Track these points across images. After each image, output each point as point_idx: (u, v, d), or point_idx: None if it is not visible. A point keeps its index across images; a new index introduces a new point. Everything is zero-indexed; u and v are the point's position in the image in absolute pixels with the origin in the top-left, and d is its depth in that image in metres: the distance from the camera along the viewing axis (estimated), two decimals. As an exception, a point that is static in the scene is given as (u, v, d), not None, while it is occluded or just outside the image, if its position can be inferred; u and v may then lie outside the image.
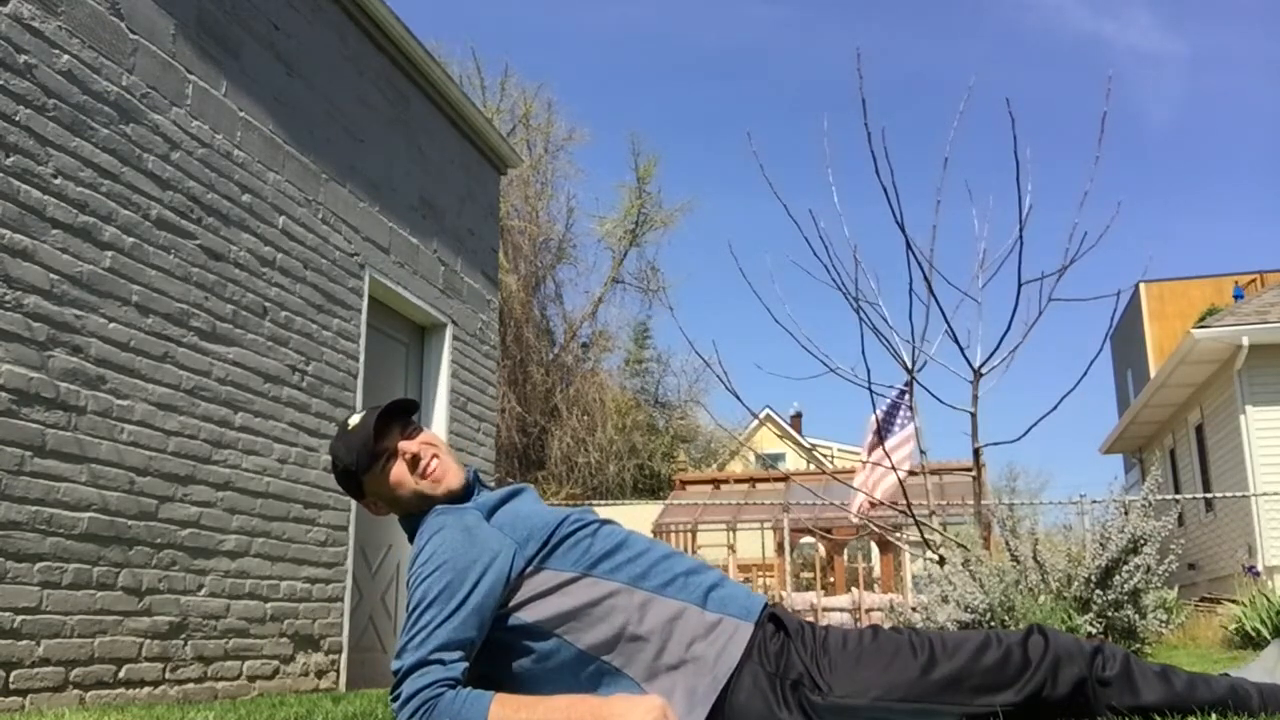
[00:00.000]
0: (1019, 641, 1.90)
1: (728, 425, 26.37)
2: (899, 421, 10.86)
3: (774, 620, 1.96)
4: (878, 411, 6.54)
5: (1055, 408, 5.44)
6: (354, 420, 2.16)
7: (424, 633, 1.80)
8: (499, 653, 1.92)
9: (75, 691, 3.92)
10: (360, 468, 2.11)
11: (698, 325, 68.68)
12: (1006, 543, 4.99)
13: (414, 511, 2.12)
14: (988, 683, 1.86)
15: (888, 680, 1.85)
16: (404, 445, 2.11)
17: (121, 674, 4.14)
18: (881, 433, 10.10)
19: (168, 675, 4.38)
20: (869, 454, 11.14)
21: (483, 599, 1.86)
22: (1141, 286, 24.34)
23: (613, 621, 1.90)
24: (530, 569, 1.94)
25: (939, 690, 1.85)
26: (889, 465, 8.03)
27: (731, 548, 15.36)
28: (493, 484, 2.33)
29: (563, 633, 1.90)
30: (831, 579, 16.19)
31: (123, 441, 4.23)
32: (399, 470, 2.10)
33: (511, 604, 1.91)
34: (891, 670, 1.86)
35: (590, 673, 1.90)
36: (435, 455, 2.11)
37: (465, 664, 1.81)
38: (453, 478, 2.11)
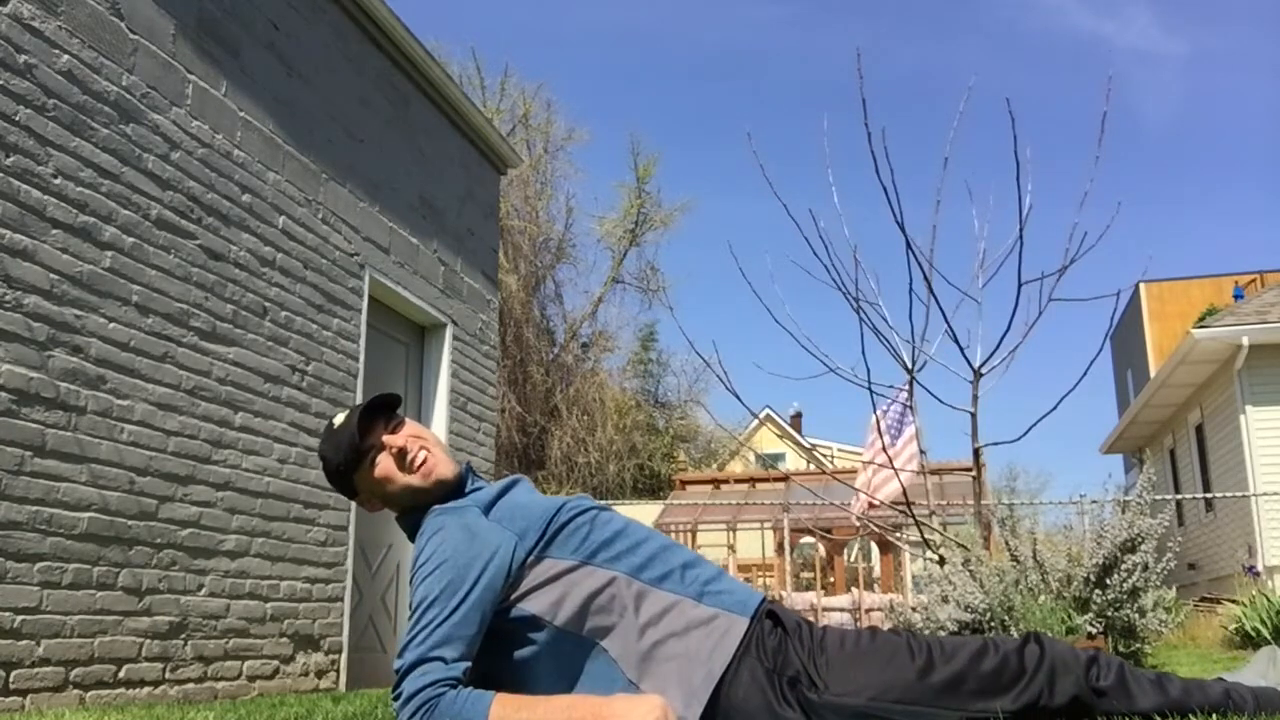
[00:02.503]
0: (1016, 649, 1.91)
1: (728, 425, 26.39)
2: (901, 424, 10.86)
3: (772, 616, 1.96)
4: (878, 412, 6.54)
5: (1055, 408, 5.44)
6: (338, 419, 2.13)
7: (425, 631, 1.81)
8: (498, 644, 1.92)
9: (75, 691, 3.92)
10: (348, 466, 2.09)
11: (698, 325, 68.72)
12: (1006, 543, 4.99)
13: (409, 508, 2.11)
14: (984, 688, 1.87)
15: (884, 681, 1.86)
16: (389, 439, 2.08)
17: (121, 674, 4.14)
18: (883, 436, 10.09)
19: (168, 675, 4.39)
20: (871, 456, 11.14)
21: (483, 596, 1.86)
22: (1141, 286, 24.34)
23: (609, 612, 1.90)
24: (530, 559, 1.94)
25: (935, 693, 1.85)
26: (891, 468, 8.04)
27: (731, 548, 15.37)
28: (488, 479, 2.31)
29: (560, 623, 1.90)
30: (831, 579, 16.18)
31: (123, 441, 4.23)
32: (386, 465, 2.08)
33: (513, 596, 1.92)
34: (888, 671, 1.87)
35: (585, 663, 1.90)
36: (423, 448, 2.09)
37: (467, 663, 1.81)
38: (444, 468, 2.09)
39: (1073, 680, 1.87)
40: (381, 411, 2.13)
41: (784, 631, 1.93)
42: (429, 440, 2.12)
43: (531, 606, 1.91)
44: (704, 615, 1.92)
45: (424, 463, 2.08)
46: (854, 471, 14.82)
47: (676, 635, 1.90)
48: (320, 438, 2.18)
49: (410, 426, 2.13)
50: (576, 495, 2.10)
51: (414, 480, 2.08)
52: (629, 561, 1.96)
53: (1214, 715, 1.89)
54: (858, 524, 12.22)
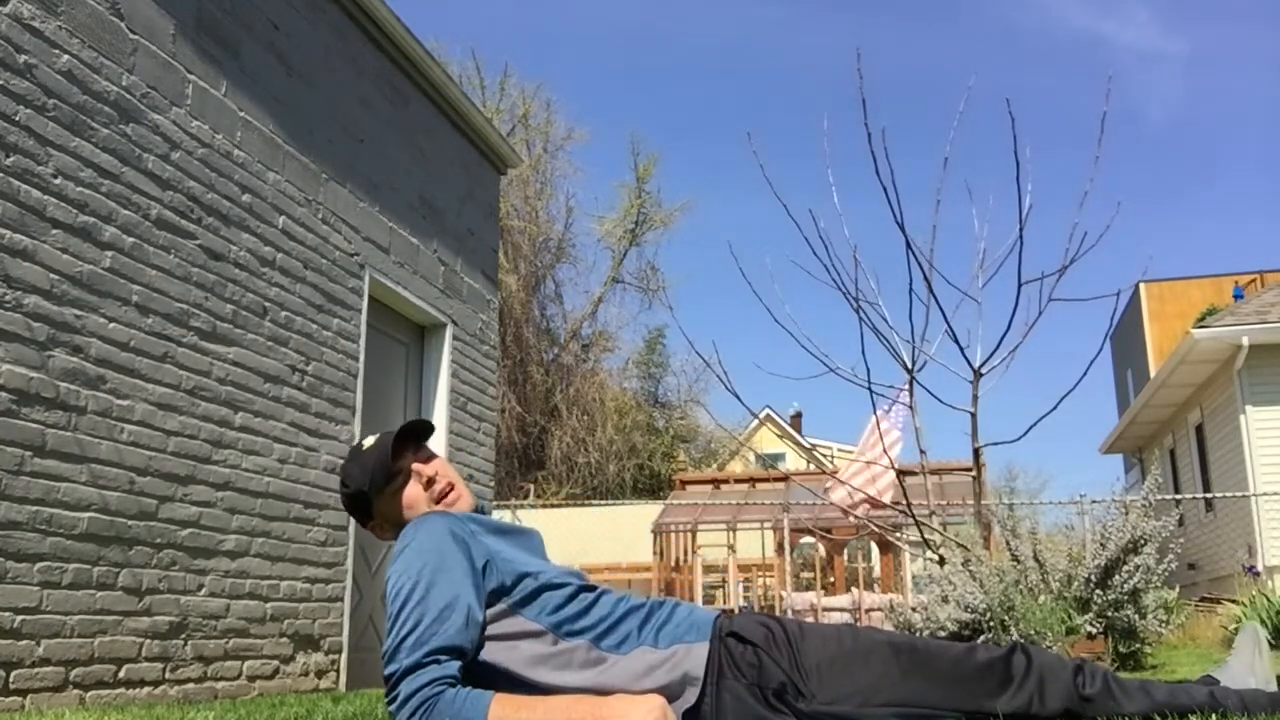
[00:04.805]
0: (1002, 656, 1.92)
1: (728, 425, 26.37)
2: (896, 423, 10.92)
3: (734, 635, 1.95)
4: (879, 412, 6.54)
5: (1055, 408, 5.45)
6: (368, 441, 2.18)
7: (416, 633, 1.80)
8: (468, 679, 1.90)
9: (75, 691, 3.92)
10: (374, 486, 2.13)
11: (698, 325, 68.73)
12: (1006, 543, 4.99)
13: None
14: (970, 690, 1.88)
15: (871, 685, 1.87)
16: (419, 467, 2.15)
17: (121, 674, 4.14)
18: (884, 437, 10.12)
19: (168, 675, 4.38)
20: (873, 457, 11.17)
21: (473, 596, 1.87)
22: (1141, 286, 24.35)
23: (565, 677, 1.89)
24: (503, 605, 1.94)
25: (922, 694, 1.86)
26: (885, 464, 8.03)
27: (731, 548, 15.35)
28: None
29: (519, 678, 1.89)
30: (831, 579, 16.18)
31: (123, 441, 4.23)
32: (413, 491, 2.14)
33: (484, 635, 1.91)
34: (875, 675, 1.88)
35: None
36: (451, 483, 2.16)
37: (460, 663, 1.81)
38: (464, 504, 2.16)
39: (1062, 687, 1.89)
40: (412, 438, 2.19)
41: (754, 645, 1.93)
42: (455, 477, 2.20)
43: (491, 655, 1.91)
44: (663, 656, 1.92)
45: (451, 498, 2.14)
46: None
47: (640, 681, 1.88)
48: (345, 458, 2.23)
49: (438, 460, 2.20)
50: (569, 569, 2.09)
51: (436, 510, 2.12)
52: (592, 633, 1.95)
53: (1200, 715, 1.90)
54: (856, 524, 12.22)
